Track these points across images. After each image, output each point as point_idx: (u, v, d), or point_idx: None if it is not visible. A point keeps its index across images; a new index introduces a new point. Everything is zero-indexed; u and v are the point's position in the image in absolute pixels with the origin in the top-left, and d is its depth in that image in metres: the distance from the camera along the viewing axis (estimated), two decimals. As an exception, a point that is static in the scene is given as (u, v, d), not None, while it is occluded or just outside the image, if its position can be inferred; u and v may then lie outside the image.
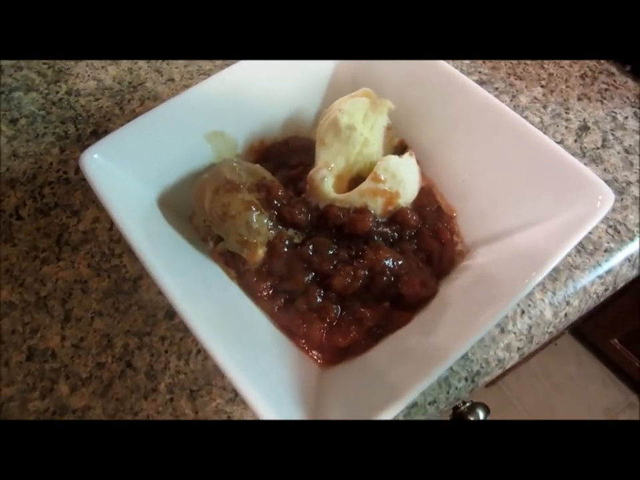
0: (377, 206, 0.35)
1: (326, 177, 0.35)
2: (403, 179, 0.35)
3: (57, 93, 0.49)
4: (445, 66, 0.37)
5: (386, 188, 0.35)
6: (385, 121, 0.38)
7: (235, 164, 0.36)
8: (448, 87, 0.37)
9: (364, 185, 0.35)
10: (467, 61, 0.52)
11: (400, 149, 0.40)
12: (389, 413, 0.25)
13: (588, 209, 0.30)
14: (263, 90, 0.39)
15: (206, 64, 0.52)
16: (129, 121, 0.47)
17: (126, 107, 0.48)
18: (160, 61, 0.52)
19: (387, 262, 0.33)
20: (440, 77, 0.37)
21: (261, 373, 0.28)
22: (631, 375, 1.40)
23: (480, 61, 0.52)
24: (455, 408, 0.54)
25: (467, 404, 0.55)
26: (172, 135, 0.35)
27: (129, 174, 0.33)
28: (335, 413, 0.28)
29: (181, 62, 0.52)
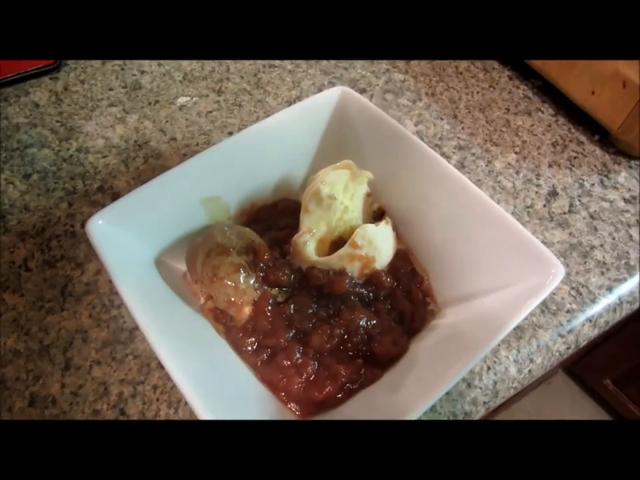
0: (354, 269, 0.39)
1: (308, 242, 0.39)
2: (378, 246, 0.39)
3: (68, 149, 0.53)
4: (418, 143, 0.41)
5: (363, 254, 0.38)
6: (364, 189, 0.41)
7: (226, 228, 0.39)
8: (421, 162, 0.41)
9: (343, 251, 0.38)
10: (447, 127, 0.57)
11: (379, 213, 0.44)
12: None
13: (543, 281, 0.34)
14: (256, 158, 0.43)
15: (206, 124, 0.56)
16: (132, 177, 0.52)
17: (131, 164, 0.53)
18: (164, 121, 0.56)
19: (361, 322, 0.37)
20: (414, 153, 0.41)
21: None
22: (623, 417, 1.39)
23: (459, 127, 0.57)
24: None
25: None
26: (171, 202, 0.39)
27: (130, 237, 0.37)
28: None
29: (183, 122, 0.56)
